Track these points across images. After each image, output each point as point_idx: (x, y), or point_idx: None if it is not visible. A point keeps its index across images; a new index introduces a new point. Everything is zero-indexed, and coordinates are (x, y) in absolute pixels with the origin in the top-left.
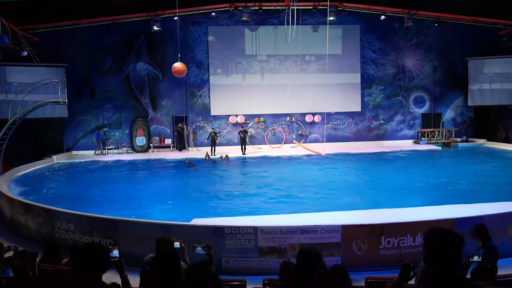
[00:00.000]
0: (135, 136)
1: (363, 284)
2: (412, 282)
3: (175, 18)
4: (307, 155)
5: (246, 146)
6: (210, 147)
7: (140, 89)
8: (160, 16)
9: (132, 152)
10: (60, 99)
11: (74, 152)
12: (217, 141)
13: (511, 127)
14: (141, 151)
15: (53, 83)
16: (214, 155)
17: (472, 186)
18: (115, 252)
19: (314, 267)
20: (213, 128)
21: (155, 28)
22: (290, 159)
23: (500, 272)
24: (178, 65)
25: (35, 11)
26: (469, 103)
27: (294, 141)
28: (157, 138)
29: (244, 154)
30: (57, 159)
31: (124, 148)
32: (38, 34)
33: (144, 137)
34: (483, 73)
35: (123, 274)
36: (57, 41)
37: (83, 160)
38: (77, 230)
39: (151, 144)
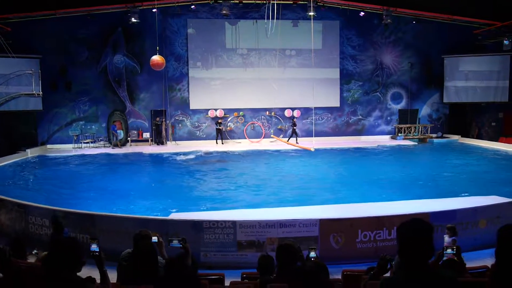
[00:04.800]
0: None
1: (340, 276)
2: (388, 274)
3: (154, 10)
4: (289, 150)
5: (223, 139)
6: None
7: (117, 82)
8: (138, 7)
9: (109, 146)
10: (34, 91)
11: (49, 146)
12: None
13: (484, 124)
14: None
15: (27, 75)
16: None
17: (447, 181)
18: (94, 247)
19: (293, 261)
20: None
21: (133, 20)
22: (270, 153)
23: (473, 264)
24: (156, 58)
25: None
26: (445, 100)
27: (272, 135)
28: (135, 132)
29: (218, 144)
30: (31, 153)
31: (101, 142)
32: (11, 24)
33: (121, 131)
34: (458, 71)
35: (103, 269)
36: (31, 32)
37: (58, 154)
38: (52, 225)
39: (129, 138)
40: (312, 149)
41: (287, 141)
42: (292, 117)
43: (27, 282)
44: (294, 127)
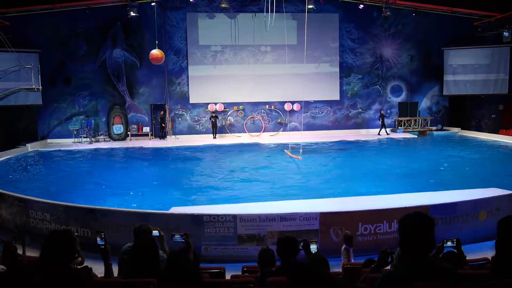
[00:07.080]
0: (112, 124)
1: (340, 270)
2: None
3: (153, 4)
4: (288, 143)
5: (217, 133)
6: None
7: (117, 76)
8: (137, 1)
9: (109, 141)
10: (33, 86)
11: (49, 140)
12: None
13: (483, 115)
14: (118, 139)
15: (26, 70)
16: (215, 137)
17: (447, 173)
18: (100, 240)
19: (294, 254)
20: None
21: (132, 13)
22: (269, 147)
23: (474, 257)
24: (156, 52)
25: None
26: (445, 93)
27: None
28: (135, 126)
29: (214, 137)
30: (32, 148)
31: (101, 136)
32: (9, 18)
33: (121, 125)
34: (458, 63)
35: (108, 262)
36: (30, 26)
37: (59, 149)
38: (53, 219)
39: (128, 132)
40: (300, 158)
41: (379, 131)
42: (380, 109)
43: (30, 275)
44: (383, 121)
